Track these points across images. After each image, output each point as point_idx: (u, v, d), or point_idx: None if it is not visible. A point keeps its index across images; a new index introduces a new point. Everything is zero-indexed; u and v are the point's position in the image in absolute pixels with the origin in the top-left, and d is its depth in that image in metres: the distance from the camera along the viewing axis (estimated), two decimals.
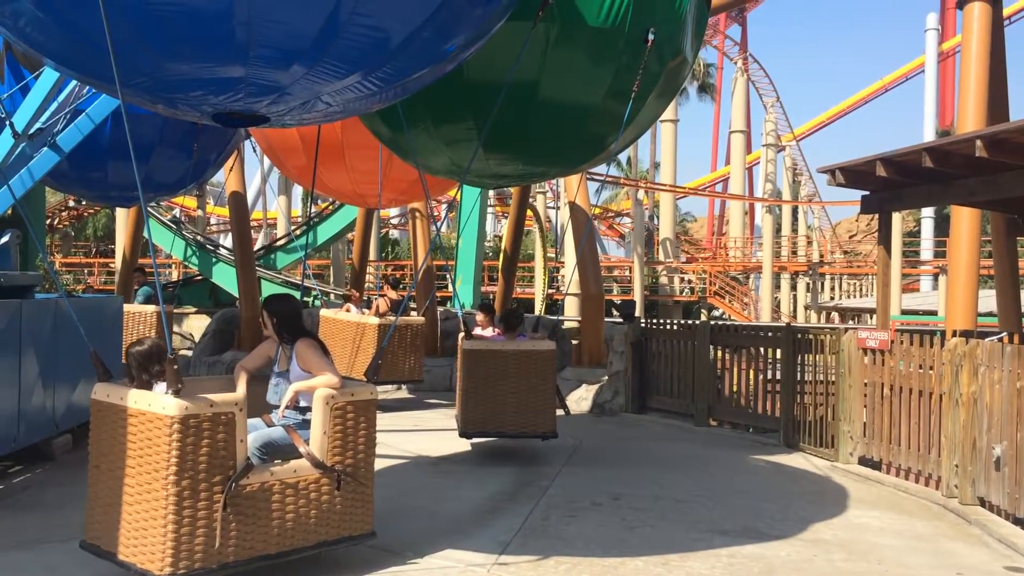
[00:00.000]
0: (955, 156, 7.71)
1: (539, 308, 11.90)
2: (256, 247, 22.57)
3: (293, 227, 27.25)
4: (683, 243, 44.55)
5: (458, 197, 15.64)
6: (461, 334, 8.24)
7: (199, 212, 32.60)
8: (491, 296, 18.83)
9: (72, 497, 6.47)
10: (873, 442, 8.28)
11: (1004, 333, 9.29)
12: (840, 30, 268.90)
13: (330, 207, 21.96)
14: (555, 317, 8.66)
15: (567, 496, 7.04)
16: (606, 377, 11.84)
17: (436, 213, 34.86)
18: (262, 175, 39.64)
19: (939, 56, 43.78)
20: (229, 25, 3.78)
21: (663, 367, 11.41)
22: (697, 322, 12.04)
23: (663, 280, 35.59)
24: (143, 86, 4.27)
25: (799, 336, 9.60)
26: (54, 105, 7.61)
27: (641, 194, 36.74)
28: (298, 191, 38.06)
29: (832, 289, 39.98)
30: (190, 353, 14.90)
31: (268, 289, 18.47)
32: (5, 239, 7.90)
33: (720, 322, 17.33)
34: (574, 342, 13.34)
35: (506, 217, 27.02)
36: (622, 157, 48.71)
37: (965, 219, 10.59)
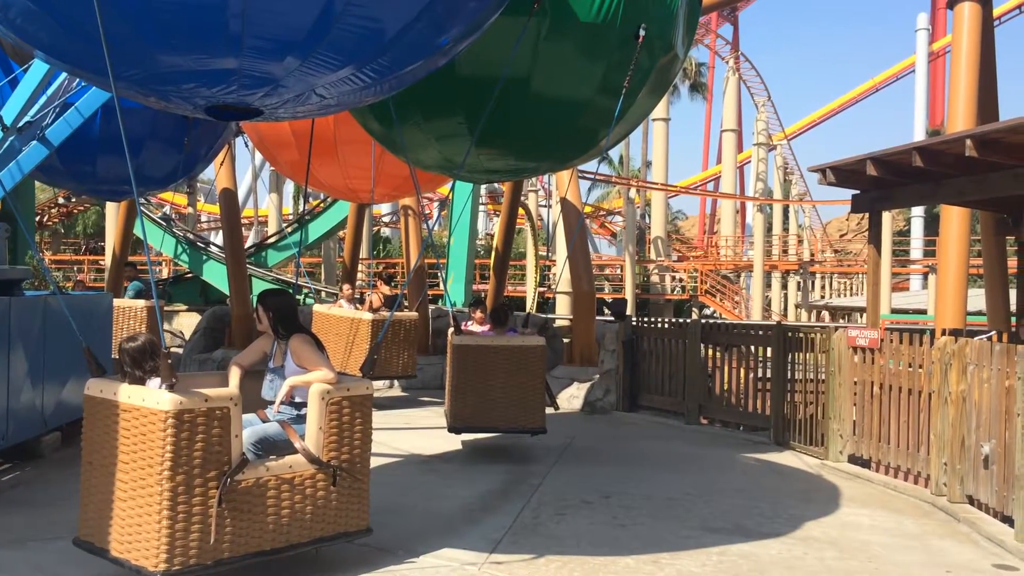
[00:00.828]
0: (945, 156, 7.74)
1: (530, 306, 11.90)
2: (247, 245, 22.52)
3: (284, 224, 27.19)
4: (674, 242, 44.66)
5: (450, 196, 15.65)
6: (451, 329, 8.23)
7: (189, 209, 32.52)
8: (483, 294, 18.83)
9: (61, 495, 6.45)
10: (863, 440, 8.31)
11: (993, 332, 9.35)
12: (831, 30, 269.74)
13: (321, 205, 21.92)
14: (544, 315, 8.63)
15: (558, 494, 7.04)
16: (597, 375, 11.86)
17: (428, 211, 34.84)
18: (253, 172, 39.53)
19: (929, 56, 43.95)
20: (223, 16, 3.76)
21: (654, 365, 11.43)
22: (688, 321, 12.07)
23: (654, 279, 35.65)
24: (135, 78, 4.25)
25: (790, 335, 9.63)
26: (43, 98, 7.56)
27: (633, 192, 36.78)
28: (289, 189, 38.03)
29: (822, 288, 40.15)
30: (180, 351, 14.86)
31: (259, 287, 18.42)
32: None
33: (711, 321, 17.40)
34: (566, 340, 13.35)
35: (498, 215, 27.01)
36: (614, 156, 48.77)
37: (955, 218, 10.66)
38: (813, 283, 38.70)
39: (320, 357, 5.06)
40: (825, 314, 34.10)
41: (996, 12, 26.70)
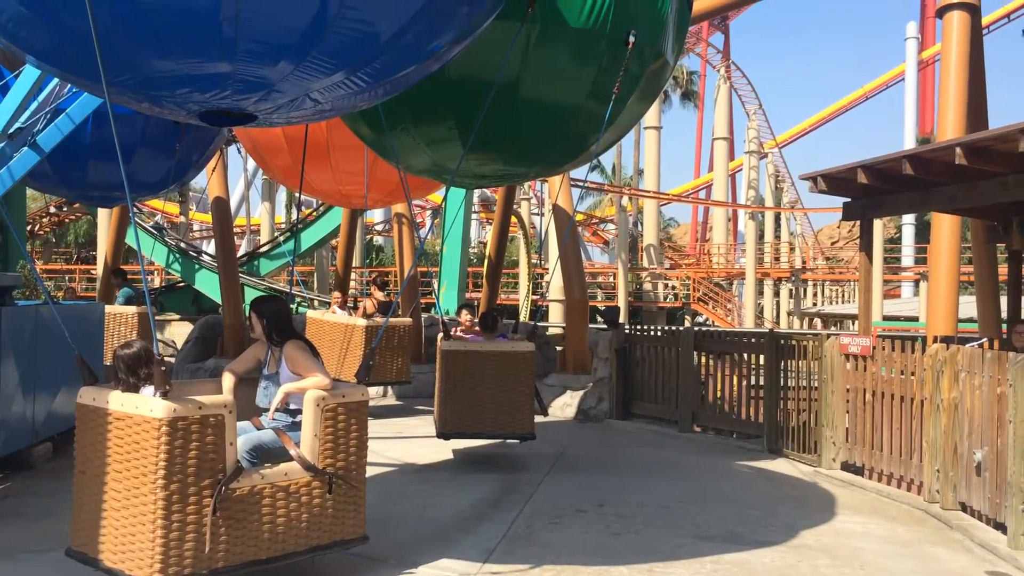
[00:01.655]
0: (935, 164, 7.77)
1: (523, 314, 11.90)
2: (239, 253, 22.46)
3: (277, 233, 27.14)
4: (667, 249, 44.71)
5: (443, 203, 15.65)
6: (440, 334, 8.23)
7: (181, 218, 32.41)
8: (476, 302, 18.83)
9: (53, 507, 6.41)
10: (856, 448, 8.33)
11: (984, 339, 9.37)
12: (821, 38, 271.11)
13: (314, 213, 21.89)
14: (533, 322, 8.63)
15: (552, 503, 7.03)
16: (590, 384, 11.85)
17: (420, 220, 34.82)
18: (245, 180, 39.46)
19: (919, 64, 44.23)
20: (216, 20, 3.75)
21: (647, 373, 11.44)
22: (681, 328, 12.08)
23: (647, 286, 35.70)
24: (128, 84, 4.23)
25: (782, 342, 9.65)
26: (34, 104, 7.55)
27: (625, 200, 36.83)
28: (282, 197, 37.94)
29: (814, 295, 40.23)
30: (173, 360, 14.80)
31: (251, 296, 18.37)
32: None
33: (704, 328, 17.41)
34: (558, 348, 13.35)
35: (490, 223, 27.02)
36: (606, 164, 48.97)
37: (945, 226, 10.70)
38: (805, 290, 38.78)
39: (315, 363, 5.04)
40: (817, 321, 34.18)
41: (985, 21, 26.88)
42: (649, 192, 36.12)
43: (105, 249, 17.31)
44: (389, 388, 13.36)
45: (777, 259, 42.02)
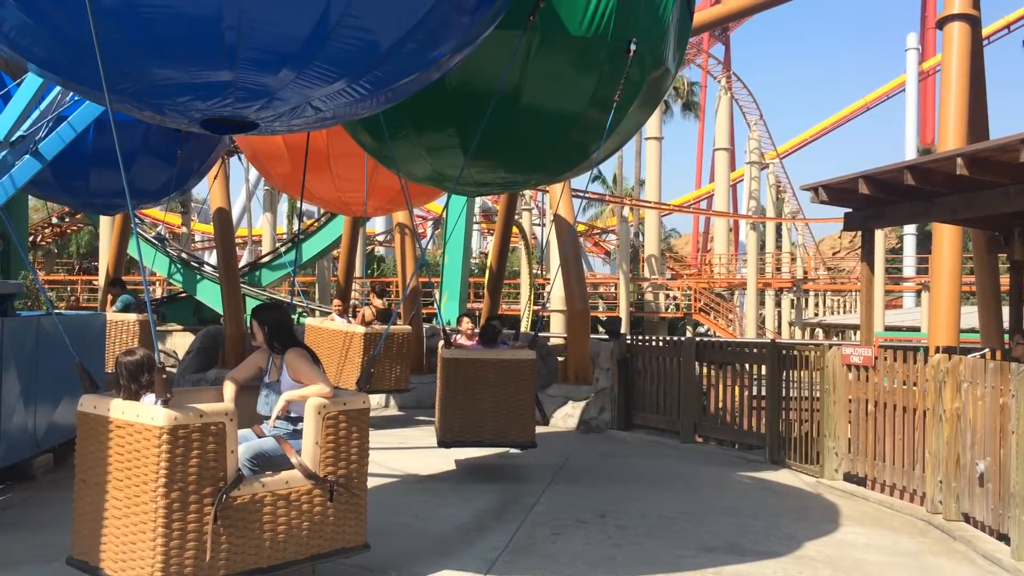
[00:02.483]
0: (936, 174, 7.78)
1: (524, 325, 11.90)
2: (241, 264, 22.47)
3: (278, 244, 27.15)
4: (668, 260, 44.70)
5: (444, 212, 15.66)
6: (441, 343, 8.23)
7: (183, 229, 32.44)
8: (477, 313, 18.83)
9: (54, 517, 6.39)
10: (858, 458, 8.30)
11: (986, 349, 9.36)
12: (822, 49, 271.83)
13: (316, 224, 21.89)
14: (534, 332, 8.62)
15: (553, 513, 7.01)
16: (592, 394, 11.83)
17: (422, 231, 34.87)
18: (247, 191, 39.52)
19: (920, 75, 44.32)
20: (217, 28, 3.76)
21: (649, 384, 11.42)
22: (682, 339, 12.07)
23: (648, 297, 35.65)
24: (130, 92, 4.24)
25: (784, 352, 9.64)
26: (36, 112, 7.57)
27: (626, 211, 36.88)
28: (283, 208, 37.99)
29: (816, 305, 40.17)
30: (174, 371, 14.79)
31: (253, 306, 18.35)
32: None
33: (705, 339, 17.40)
34: (560, 359, 13.34)
35: (492, 234, 27.05)
36: (608, 174, 49.07)
37: (947, 236, 10.70)
38: (807, 301, 38.73)
39: (316, 371, 5.03)
40: (819, 332, 34.14)
41: (985, 32, 26.95)
42: (650, 202, 36.14)
43: (107, 260, 17.32)
44: (391, 399, 13.36)
45: (778, 269, 41.98)
